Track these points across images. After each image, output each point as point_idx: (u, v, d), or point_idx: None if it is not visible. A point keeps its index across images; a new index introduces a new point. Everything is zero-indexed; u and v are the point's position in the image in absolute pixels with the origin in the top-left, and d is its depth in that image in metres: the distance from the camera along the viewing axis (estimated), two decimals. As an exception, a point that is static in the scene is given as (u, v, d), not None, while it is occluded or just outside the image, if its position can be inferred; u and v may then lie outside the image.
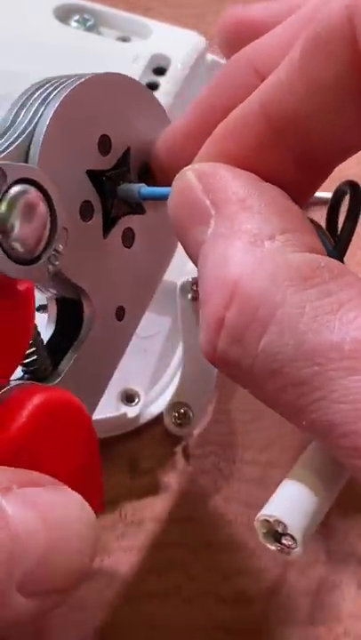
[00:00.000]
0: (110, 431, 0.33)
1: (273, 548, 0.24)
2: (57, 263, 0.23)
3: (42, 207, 0.23)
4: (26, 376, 0.25)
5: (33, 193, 0.22)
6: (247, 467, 0.33)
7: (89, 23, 0.39)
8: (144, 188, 0.26)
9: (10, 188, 0.22)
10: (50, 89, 0.24)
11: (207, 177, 0.22)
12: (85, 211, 0.24)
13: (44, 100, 0.24)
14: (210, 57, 0.40)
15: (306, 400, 0.19)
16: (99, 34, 0.39)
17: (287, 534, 0.23)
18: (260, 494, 0.32)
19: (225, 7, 0.46)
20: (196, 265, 0.22)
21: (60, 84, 0.24)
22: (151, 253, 0.27)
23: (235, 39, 0.27)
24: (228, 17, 0.27)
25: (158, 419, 0.33)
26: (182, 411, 0.32)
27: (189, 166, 0.23)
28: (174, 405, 0.32)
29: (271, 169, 0.22)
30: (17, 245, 0.22)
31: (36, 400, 0.23)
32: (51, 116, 0.23)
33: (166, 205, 0.23)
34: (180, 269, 0.34)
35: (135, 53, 0.37)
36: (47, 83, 0.25)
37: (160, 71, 0.37)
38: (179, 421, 0.32)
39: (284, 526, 0.23)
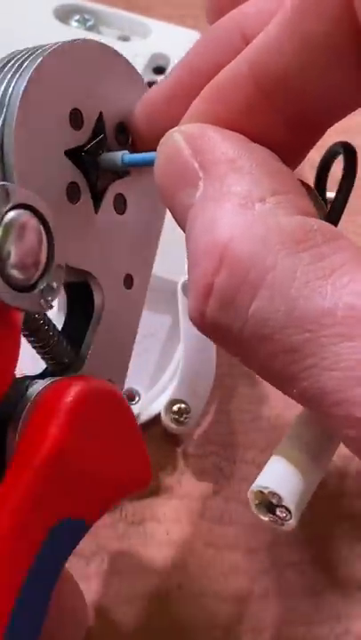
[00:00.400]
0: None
1: (266, 519, 0.24)
2: (50, 299, 0.22)
3: (38, 232, 0.22)
4: (49, 370, 0.24)
5: (29, 217, 0.22)
6: (248, 467, 0.33)
7: (89, 23, 0.39)
8: (127, 155, 0.25)
9: (7, 212, 0.21)
10: (15, 66, 0.23)
11: (195, 138, 0.21)
12: (72, 192, 0.24)
13: (11, 80, 0.23)
14: (210, 56, 0.40)
15: (297, 367, 0.18)
16: (99, 33, 0.39)
17: (282, 506, 0.23)
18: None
19: (225, 7, 0.46)
20: (184, 230, 0.21)
21: (26, 58, 0.23)
22: (146, 213, 0.27)
23: (223, 6, 0.25)
24: None
25: (159, 419, 0.33)
26: (181, 409, 0.32)
27: (176, 128, 0.22)
28: (173, 403, 0.32)
29: (261, 131, 0.22)
30: (14, 271, 0.21)
31: (69, 398, 0.22)
32: (20, 96, 0.22)
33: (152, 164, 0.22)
34: (180, 269, 0.34)
35: (135, 52, 0.38)
36: (12, 59, 0.24)
37: (160, 70, 0.38)
38: (177, 419, 0.32)
39: (279, 498, 0.23)
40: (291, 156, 0.22)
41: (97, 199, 0.25)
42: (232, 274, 0.19)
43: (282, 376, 0.19)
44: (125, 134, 0.25)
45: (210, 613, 0.30)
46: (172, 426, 0.32)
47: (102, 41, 0.38)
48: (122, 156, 0.25)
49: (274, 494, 0.24)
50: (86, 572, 0.31)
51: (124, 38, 0.39)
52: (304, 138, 0.22)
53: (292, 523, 0.24)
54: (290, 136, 0.22)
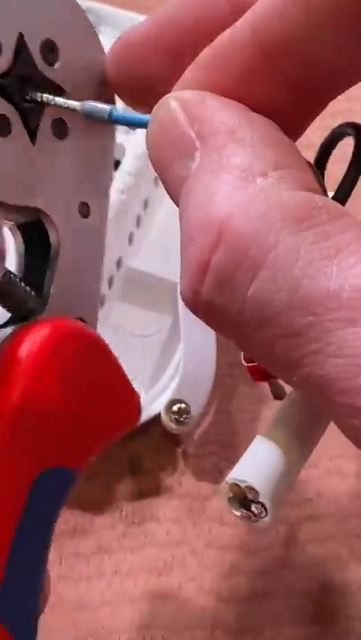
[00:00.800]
0: (110, 431, 0.33)
1: (238, 514, 0.22)
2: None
3: None
4: (12, 318, 0.23)
5: None
6: (248, 466, 0.33)
7: (89, 22, 0.39)
8: (116, 112, 0.23)
9: None
10: None
11: (192, 106, 0.20)
12: (2, 126, 0.22)
13: None
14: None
15: (299, 352, 0.17)
16: (99, 32, 0.39)
17: (258, 502, 0.21)
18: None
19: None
20: (177, 204, 0.20)
21: None
22: (92, 134, 0.25)
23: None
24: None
25: (159, 419, 0.32)
26: (181, 409, 0.32)
27: (171, 94, 0.21)
28: (173, 403, 0.32)
29: (262, 99, 0.20)
30: None
31: (32, 342, 0.21)
32: None
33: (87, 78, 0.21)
34: (180, 268, 0.34)
35: (135, 52, 0.37)
36: None
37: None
38: (177, 419, 0.32)
39: (256, 493, 0.21)
40: (292, 126, 0.21)
41: (31, 129, 0.22)
42: (231, 251, 0.18)
43: (282, 361, 0.18)
44: (55, 53, 0.23)
45: (210, 613, 0.30)
46: (173, 426, 0.32)
47: (102, 40, 0.38)
48: (110, 110, 0.23)
49: (251, 489, 0.21)
50: (86, 571, 0.31)
51: (125, 38, 0.39)
52: (306, 107, 0.21)
53: (267, 520, 0.21)
54: (292, 104, 0.21)
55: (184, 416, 0.32)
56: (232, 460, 0.33)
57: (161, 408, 0.32)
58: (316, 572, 0.31)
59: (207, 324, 0.20)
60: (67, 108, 0.23)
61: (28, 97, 0.23)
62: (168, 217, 0.37)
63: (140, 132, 0.35)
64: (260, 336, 0.18)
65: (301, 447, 0.22)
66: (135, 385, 0.32)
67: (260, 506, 0.21)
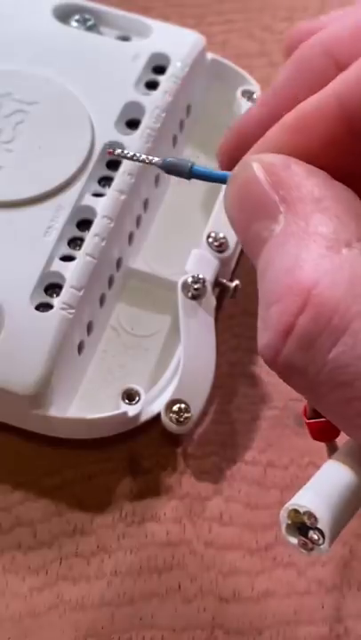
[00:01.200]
0: (111, 429, 0.33)
1: (295, 541, 0.21)
2: None
3: None
4: None
5: None
6: (247, 467, 0.33)
7: (89, 23, 0.39)
8: (196, 167, 0.24)
9: None
10: None
11: (277, 171, 0.21)
12: None
13: None
14: (209, 56, 0.40)
15: None
16: (99, 33, 0.39)
17: (316, 528, 0.21)
18: (261, 494, 0.33)
19: (225, 7, 0.46)
20: (255, 260, 0.21)
21: None
22: None
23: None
24: (294, 32, 0.26)
25: (159, 419, 0.32)
26: (181, 409, 0.32)
27: (254, 156, 0.21)
28: (173, 403, 0.32)
29: (343, 166, 0.21)
30: None
31: None
32: None
33: None
34: (180, 269, 0.34)
35: (135, 52, 0.38)
36: None
37: (160, 70, 0.38)
38: (177, 419, 0.32)
39: (315, 519, 0.21)
40: None
41: None
42: (316, 316, 0.19)
43: (355, 422, 0.19)
44: None
45: (210, 613, 0.30)
46: (172, 426, 0.32)
47: (103, 41, 0.39)
48: (192, 165, 0.24)
49: (311, 515, 0.21)
50: (86, 571, 0.31)
51: (125, 38, 0.39)
52: None
53: (324, 547, 0.21)
54: None
55: (184, 416, 0.32)
56: (232, 459, 0.33)
57: (161, 408, 0.32)
58: (315, 571, 0.31)
59: (284, 380, 0.21)
60: (148, 163, 0.25)
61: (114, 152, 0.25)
62: (168, 217, 0.37)
63: (141, 132, 0.35)
64: (336, 397, 0.19)
65: None
66: (136, 384, 0.33)
67: (318, 532, 0.21)
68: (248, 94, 0.39)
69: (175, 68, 0.37)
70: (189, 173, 0.24)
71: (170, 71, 0.37)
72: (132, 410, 0.32)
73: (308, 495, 0.21)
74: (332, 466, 0.22)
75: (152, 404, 0.33)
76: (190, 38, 0.39)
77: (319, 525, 0.20)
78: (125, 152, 0.26)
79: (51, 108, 0.36)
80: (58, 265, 0.32)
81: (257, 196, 0.21)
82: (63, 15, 0.39)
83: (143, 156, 0.25)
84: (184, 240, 0.35)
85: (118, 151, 0.26)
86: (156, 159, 0.25)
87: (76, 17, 0.40)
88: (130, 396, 0.32)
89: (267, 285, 0.20)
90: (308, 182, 0.21)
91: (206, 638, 0.30)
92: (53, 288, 0.32)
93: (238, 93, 0.39)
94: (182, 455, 0.33)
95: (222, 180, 0.23)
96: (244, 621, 0.30)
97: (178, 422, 0.32)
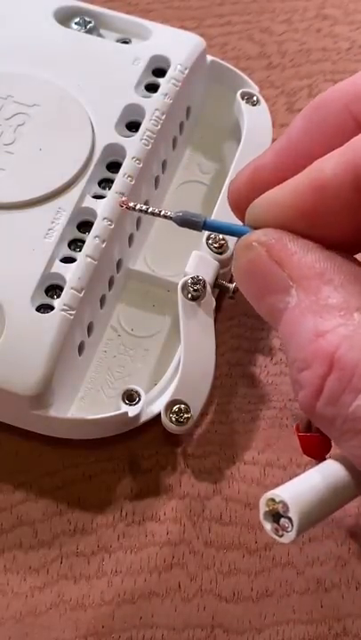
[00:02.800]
0: (112, 430, 0.33)
1: (268, 526, 0.24)
2: None
3: None
4: None
5: None
6: (247, 467, 0.33)
7: (89, 25, 0.40)
8: (210, 220, 0.26)
9: None
10: None
11: (278, 251, 0.23)
12: None
13: None
14: (209, 58, 0.40)
15: None
16: (100, 36, 0.40)
17: (287, 517, 0.23)
18: (260, 494, 0.33)
19: (225, 9, 0.46)
20: (275, 326, 0.24)
21: None
22: None
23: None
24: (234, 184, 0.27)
25: (159, 419, 0.33)
26: (181, 409, 0.32)
27: (254, 236, 0.24)
28: (173, 404, 0.32)
29: (353, 237, 0.23)
30: None
31: None
32: None
33: None
34: (180, 269, 0.34)
35: (135, 55, 0.38)
36: None
37: (160, 72, 0.38)
38: (177, 419, 0.32)
39: (287, 508, 0.23)
40: None
41: None
42: (340, 378, 0.22)
43: None
44: None
45: (210, 613, 0.30)
46: (172, 426, 0.32)
47: (103, 44, 0.39)
48: (205, 220, 0.26)
49: (284, 504, 0.24)
50: (86, 571, 0.31)
51: (125, 41, 0.40)
52: None
53: (291, 535, 0.24)
54: None
55: (184, 416, 0.32)
56: (232, 459, 0.33)
57: (161, 408, 0.32)
58: (314, 571, 0.31)
59: (319, 427, 0.24)
60: (163, 217, 0.26)
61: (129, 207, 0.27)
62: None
63: (141, 134, 0.36)
64: (357, 440, 0.22)
65: (347, 488, 0.25)
66: (136, 384, 0.33)
67: (288, 520, 0.23)
68: (247, 96, 0.39)
69: (175, 71, 0.37)
70: (203, 227, 0.26)
71: (170, 74, 0.37)
72: (132, 410, 0.32)
73: (286, 487, 0.24)
74: (320, 468, 0.25)
75: (152, 405, 0.33)
76: (191, 41, 0.39)
77: (290, 514, 0.23)
78: (139, 205, 0.27)
79: (51, 110, 0.36)
80: (58, 266, 0.32)
81: (266, 273, 0.23)
82: (64, 18, 0.39)
83: (157, 210, 0.26)
84: (184, 241, 0.35)
85: (131, 204, 0.28)
86: (170, 213, 0.26)
87: (77, 19, 0.40)
88: (130, 396, 0.33)
89: (295, 354, 0.23)
90: (307, 259, 0.23)
91: (206, 637, 0.30)
92: (54, 289, 0.32)
93: (238, 95, 0.39)
94: (182, 455, 0.33)
95: (235, 234, 0.25)
96: (244, 620, 0.30)
97: (178, 422, 0.32)
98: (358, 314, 0.22)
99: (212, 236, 0.35)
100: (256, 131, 0.38)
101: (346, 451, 0.23)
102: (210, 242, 0.35)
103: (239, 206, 0.26)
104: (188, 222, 0.26)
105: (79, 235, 0.34)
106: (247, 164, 0.27)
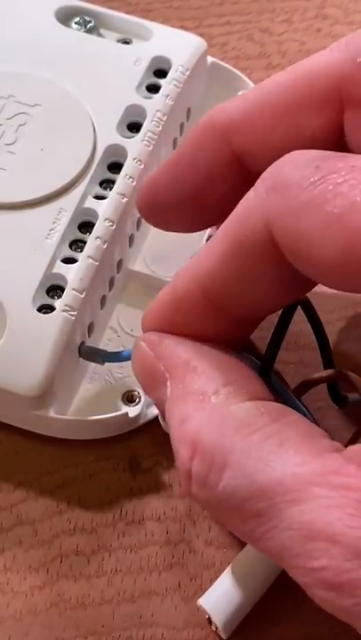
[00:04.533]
0: (112, 430, 0.33)
1: (211, 626, 0.30)
2: None
3: None
4: None
5: None
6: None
7: (90, 25, 0.40)
8: (107, 354, 0.32)
9: None
10: None
11: (156, 346, 0.26)
12: None
13: None
14: (210, 59, 0.40)
15: (263, 529, 0.22)
16: (99, 36, 0.40)
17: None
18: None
19: (225, 9, 0.46)
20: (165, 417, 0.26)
21: None
22: None
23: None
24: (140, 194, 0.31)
25: (159, 419, 0.33)
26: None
27: (141, 336, 0.27)
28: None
29: (211, 331, 0.26)
30: None
31: None
32: None
33: None
34: (180, 267, 0.34)
35: (136, 55, 0.38)
36: None
37: (161, 73, 0.38)
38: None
39: (213, 623, 0.29)
40: (237, 341, 0.27)
41: None
42: (202, 460, 0.23)
43: (252, 536, 0.23)
44: None
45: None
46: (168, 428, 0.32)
47: (105, 44, 0.39)
48: (103, 356, 0.32)
49: (209, 619, 0.29)
50: (86, 571, 0.31)
51: (126, 41, 0.40)
52: (248, 329, 0.27)
53: (222, 634, 0.29)
54: (236, 330, 0.26)
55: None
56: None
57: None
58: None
59: (206, 510, 0.27)
60: None
61: None
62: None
63: (142, 135, 0.36)
64: (235, 518, 0.23)
65: (259, 582, 0.30)
66: (135, 387, 0.33)
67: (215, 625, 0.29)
68: (248, 97, 0.39)
69: (176, 72, 0.37)
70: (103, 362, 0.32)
71: (171, 75, 0.37)
72: (132, 411, 0.32)
73: (209, 598, 0.30)
74: (233, 571, 0.30)
75: (152, 406, 0.33)
76: (192, 42, 0.39)
77: (214, 621, 0.29)
78: None
79: (53, 110, 0.36)
80: (60, 267, 0.33)
81: (149, 368, 0.26)
82: (65, 17, 0.39)
83: None
84: (183, 242, 0.35)
85: None
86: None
87: (77, 19, 0.40)
88: (130, 397, 0.33)
89: (172, 441, 0.25)
90: (176, 350, 0.25)
91: (206, 637, 0.30)
92: (55, 290, 0.32)
93: (238, 97, 0.39)
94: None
95: (128, 359, 0.29)
96: (244, 621, 0.30)
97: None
98: (215, 396, 0.24)
99: (212, 237, 0.35)
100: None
101: (234, 532, 0.24)
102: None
103: (144, 212, 0.31)
104: (90, 357, 0.32)
105: (80, 235, 0.34)
106: (149, 174, 0.31)
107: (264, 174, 0.24)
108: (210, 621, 0.30)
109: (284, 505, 0.21)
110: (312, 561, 0.21)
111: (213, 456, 0.23)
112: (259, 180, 0.24)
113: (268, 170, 0.24)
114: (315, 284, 0.26)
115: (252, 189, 0.24)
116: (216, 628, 0.29)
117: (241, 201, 0.25)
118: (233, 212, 0.25)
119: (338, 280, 0.22)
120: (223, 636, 0.29)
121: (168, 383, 0.25)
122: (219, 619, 0.29)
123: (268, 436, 0.22)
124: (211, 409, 0.24)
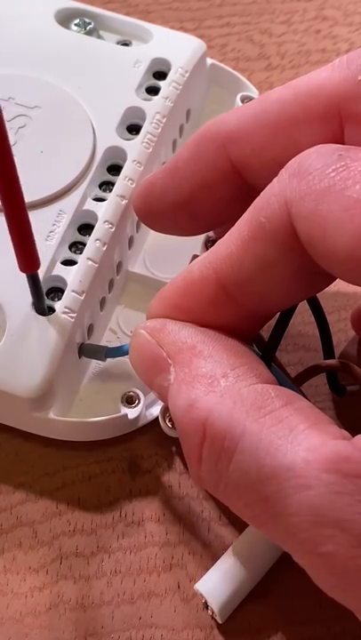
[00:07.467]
0: (111, 432, 0.33)
1: (207, 611, 0.30)
2: None
3: None
4: None
5: None
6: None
7: (89, 27, 0.40)
8: (109, 349, 0.31)
9: None
10: None
11: (158, 332, 0.26)
12: None
13: None
14: (210, 61, 0.40)
15: (270, 512, 0.22)
16: (99, 37, 0.40)
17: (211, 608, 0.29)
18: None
19: (224, 11, 0.46)
20: (167, 404, 0.25)
21: None
22: None
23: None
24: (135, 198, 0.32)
25: (158, 421, 0.33)
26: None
27: (142, 325, 0.27)
28: (167, 408, 0.32)
29: (219, 321, 0.26)
30: None
31: None
32: None
33: None
34: (179, 269, 0.34)
35: (136, 57, 0.38)
36: None
37: (160, 75, 0.38)
38: (171, 424, 0.32)
39: (210, 606, 0.29)
40: (245, 334, 0.26)
41: None
42: (213, 443, 0.23)
43: (258, 520, 0.23)
44: None
45: (209, 613, 0.31)
46: (169, 429, 0.32)
47: (104, 46, 0.39)
48: (105, 351, 0.32)
49: (206, 602, 0.29)
50: (86, 571, 0.31)
51: (125, 43, 0.40)
52: (258, 323, 0.27)
53: (219, 619, 0.30)
54: (246, 322, 0.26)
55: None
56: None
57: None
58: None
59: (211, 494, 0.25)
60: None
61: None
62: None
63: (142, 137, 0.36)
64: (241, 502, 0.23)
65: (257, 567, 0.30)
66: (135, 388, 0.33)
67: (211, 609, 0.29)
68: (248, 100, 0.39)
69: (176, 74, 0.37)
70: (105, 357, 0.32)
71: (171, 77, 0.37)
72: (131, 413, 0.32)
73: (206, 582, 0.30)
74: (231, 554, 0.30)
75: (151, 407, 0.33)
76: (191, 44, 0.39)
77: (210, 606, 0.29)
78: None
79: (53, 112, 0.36)
80: (59, 269, 0.33)
81: (150, 356, 0.26)
82: (64, 19, 0.39)
83: None
84: (183, 244, 0.35)
85: None
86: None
87: (77, 21, 0.40)
88: (129, 398, 0.33)
89: (177, 426, 0.24)
90: (180, 335, 0.25)
91: (205, 637, 0.30)
92: (55, 292, 0.32)
93: (238, 99, 0.39)
94: (181, 456, 0.34)
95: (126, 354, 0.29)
96: (244, 621, 0.30)
97: (174, 426, 0.32)
98: (225, 379, 0.24)
99: (211, 238, 0.35)
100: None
101: (239, 515, 0.24)
102: (209, 244, 0.35)
103: (139, 215, 0.31)
104: (91, 354, 0.32)
105: (80, 237, 0.34)
106: (146, 177, 0.31)
107: (290, 162, 0.24)
108: (206, 606, 0.30)
109: (292, 490, 0.21)
110: (318, 547, 0.21)
111: (224, 440, 0.23)
112: (284, 168, 0.24)
113: (293, 158, 0.24)
114: (327, 284, 0.26)
115: (276, 177, 0.24)
116: (213, 613, 0.30)
117: (265, 188, 0.25)
118: (256, 199, 0.25)
119: (350, 267, 0.22)
120: (219, 621, 0.30)
121: (172, 369, 0.25)
122: (215, 602, 0.29)
123: (279, 420, 0.22)
124: (221, 392, 0.23)
